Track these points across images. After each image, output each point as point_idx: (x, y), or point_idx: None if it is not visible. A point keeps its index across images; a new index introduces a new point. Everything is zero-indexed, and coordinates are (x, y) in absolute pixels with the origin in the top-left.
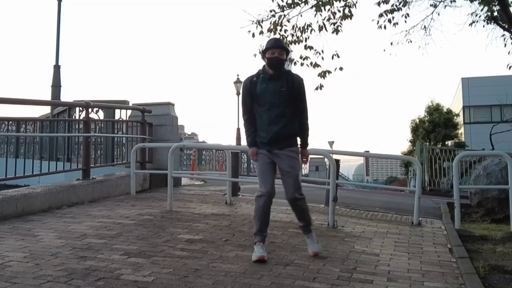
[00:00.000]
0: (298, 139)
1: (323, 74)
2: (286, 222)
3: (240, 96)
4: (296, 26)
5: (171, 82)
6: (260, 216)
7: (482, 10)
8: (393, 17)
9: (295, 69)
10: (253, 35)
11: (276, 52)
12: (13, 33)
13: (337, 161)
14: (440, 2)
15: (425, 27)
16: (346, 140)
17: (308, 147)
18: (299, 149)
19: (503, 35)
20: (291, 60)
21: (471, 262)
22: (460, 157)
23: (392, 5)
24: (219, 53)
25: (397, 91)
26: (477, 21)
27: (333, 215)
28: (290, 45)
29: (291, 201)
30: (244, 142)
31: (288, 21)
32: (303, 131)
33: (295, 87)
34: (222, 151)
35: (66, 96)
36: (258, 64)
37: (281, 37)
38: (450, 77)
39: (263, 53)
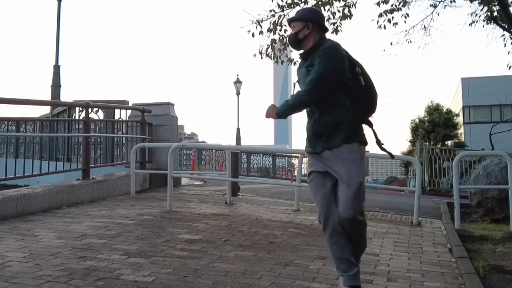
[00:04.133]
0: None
1: None
2: (286, 222)
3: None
4: None
5: (171, 82)
6: (330, 248)
7: (482, 10)
8: (392, 17)
9: (294, 69)
10: (253, 35)
11: (294, 28)
12: (13, 33)
13: None
14: (440, 2)
15: (425, 27)
16: None
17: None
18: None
19: (503, 35)
20: (291, 60)
21: (471, 262)
22: (460, 157)
23: (392, 5)
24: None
25: (397, 91)
26: (477, 21)
27: None
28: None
29: (345, 221)
30: (243, 142)
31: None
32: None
33: (319, 58)
34: (222, 151)
35: (66, 96)
36: (258, 64)
37: (281, 37)
38: (450, 77)
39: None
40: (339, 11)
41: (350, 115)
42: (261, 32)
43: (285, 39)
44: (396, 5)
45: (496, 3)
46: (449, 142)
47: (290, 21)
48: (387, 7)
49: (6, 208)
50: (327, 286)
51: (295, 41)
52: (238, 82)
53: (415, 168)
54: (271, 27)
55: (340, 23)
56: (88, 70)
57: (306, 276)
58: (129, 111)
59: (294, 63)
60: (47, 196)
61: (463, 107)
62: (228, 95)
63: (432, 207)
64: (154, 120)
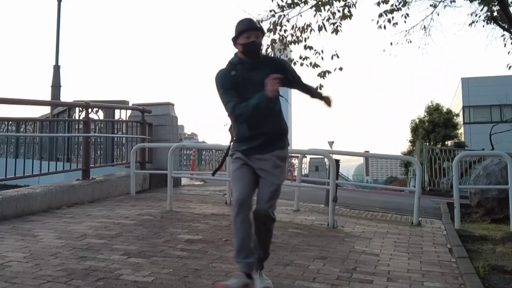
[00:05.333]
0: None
1: (322, 74)
2: (286, 222)
3: (219, 94)
4: (296, 26)
5: (171, 82)
6: (236, 232)
7: (482, 10)
8: (392, 17)
9: (294, 69)
10: None
11: (252, 36)
12: (13, 33)
13: (337, 161)
14: (440, 2)
15: (424, 27)
16: (346, 140)
17: (308, 147)
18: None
19: (503, 35)
20: (291, 60)
21: (471, 262)
22: (460, 157)
23: (392, 5)
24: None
25: (397, 91)
26: (477, 21)
27: (333, 215)
28: (289, 45)
29: (258, 214)
30: None
31: (288, 21)
32: (313, 91)
33: (282, 67)
34: (222, 151)
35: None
36: None
37: (281, 37)
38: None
39: (235, 39)
40: (339, 11)
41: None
42: None
43: (285, 39)
44: (396, 5)
45: (496, 3)
46: (449, 142)
47: (256, 29)
48: (387, 7)
49: (6, 208)
50: (327, 286)
51: (260, 50)
52: None
53: (415, 168)
54: (271, 27)
55: (340, 23)
56: (88, 70)
57: (306, 276)
58: (129, 111)
59: (294, 63)
60: (47, 196)
61: (463, 107)
62: None
63: (432, 207)
64: (154, 120)
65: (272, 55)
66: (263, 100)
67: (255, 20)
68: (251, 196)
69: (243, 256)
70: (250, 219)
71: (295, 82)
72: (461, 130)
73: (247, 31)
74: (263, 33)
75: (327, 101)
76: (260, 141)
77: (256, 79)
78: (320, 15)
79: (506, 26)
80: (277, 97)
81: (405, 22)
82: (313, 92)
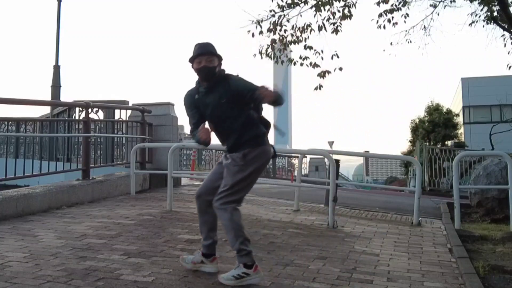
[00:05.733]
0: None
1: (322, 74)
2: (286, 222)
3: (186, 112)
4: (296, 26)
5: (171, 82)
6: (198, 218)
7: (482, 10)
8: (392, 17)
9: (294, 69)
10: (253, 35)
11: (203, 61)
12: (13, 33)
13: (337, 161)
14: (440, 2)
15: (424, 27)
16: (346, 140)
17: (308, 147)
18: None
19: (503, 35)
20: (291, 60)
21: (471, 262)
22: (460, 157)
23: (392, 5)
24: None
25: (396, 91)
26: (477, 21)
27: (333, 215)
28: (289, 45)
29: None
30: None
31: (288, 21)
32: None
33: (235, 89)
34: (222, 151)
35: (66, 96)
36: (258, 64)
37: (281, 37)
38: (450, 77)
39: (191, 64)
40: (339, 11)
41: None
42: (261, 32)
43: (285, 39)
44: (396, 5)
45: (496, 3)
46: (449, 142)
47: (207, 53)
48: (387, 7)
49: (6, 208)
50: (327, 286)
51: (214, 74)
52: None
53: (415, 168)
54: (271, 27)
55: (340, 23)
56: (88, 70)
57: (306, 276)
58: (129, 111)
59: (294, 63)
60: (47, 196)
61: (463, 107)
62: None
63: (432, 207)
64: (154, 120)
65: (229, 74)
66: (199, 142)
67: (254, 20)
68: (208, 191)
69: (202, 238)
70: (209, 209)
71: (250, 99)
72: (461, 130)
73: (198, 57)
74: (218, 56)
75: (276, 99)
76: (227, 145)
77: (209, 101)
78: (320, 15)
79: (506, 26)
80: (241, 112)
81: (405, 22)
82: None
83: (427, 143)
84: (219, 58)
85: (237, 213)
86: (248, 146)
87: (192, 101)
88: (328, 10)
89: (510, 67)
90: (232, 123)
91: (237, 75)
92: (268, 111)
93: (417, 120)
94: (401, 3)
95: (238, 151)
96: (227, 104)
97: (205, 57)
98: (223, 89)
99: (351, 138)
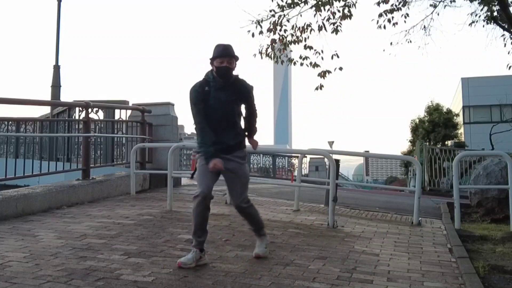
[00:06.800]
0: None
1: (322, 74)
2: (286, 222)
3: (191, 104)
4: (296, 26)
5: (171, 82)
6: (195, 217)
7: (482, 10)
8: (392, 17)
9: (294, 69)
10: (253, 35)
11: (225, 61)
12: (13, 33)
13: (337, 161)
14: (440, 2)
15: (424, 27)
16: (346, 140)
17: (308, 147)
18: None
19: (503, 35)
20: (291, 60)
21: (471, 262)
22: (460, 157)
23: (392, 5)
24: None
25: (397, 91)
26: (477, 21)
27: (333, 215)
28: (289, 45)
29: (237, 208)
30: None
31: (288, 21)
32: (251, 130)
33: (245, 92)
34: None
35: (66, 96)
36: (258, 64)
37: (281, 37)
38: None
39: (211, 60)
40: (339, 11)
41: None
42: (261, 32)
43: (285, 39)
44: (396, 5)
45: (496, 3)
46: (449, 142)
47: (229, 56)
48: (387, 7)
49: (6, 208)
50: (327, 286)
51: (232, 74)
52: None
53: (415, 168)
54: (271, 27)
55: (340, 23)
56: (88, 70)
57: (306, 276)
58: (129, 111)
59: (294, 63)
60: (47, 196)
61: (463, 107)
62: None
63: (432, 207)
64: (154, 120)
65: (243, 79)
66: (206, 157)
67: (254, 20)
68: (210, 190)
69: (197, 236)
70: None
71: (246, 108)
72: (461, 130)
73: (221, 57)
74: (236, 59)
75: (253, 143)
76: (225, 140)
77: (220, 96)
78: (320, 15)
79: (506, 26)
80: (240, 114)
81: (405, 22)
82: (251, 129)
83: (427, 143)
84: (237, 60)
85: None
86: (243, 146)
87: (201, 94)
88: (328, 10)
89: (510, 67)
90: (234, 121)
91: (251, 86)
92: (268, 111)
93: (417, 120)
94: (401, 3)
95: (239, 150)
96: (235, 102)
97: (227, 58)
98: (236, 89)
99: (351, 138)
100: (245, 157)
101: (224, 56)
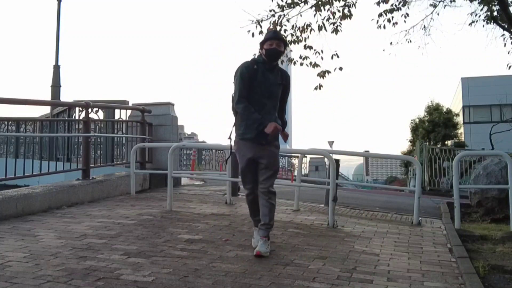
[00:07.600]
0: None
1: (322, 74)
2: (286, 222)
3: (239, 79)
4: (296, 26)
5: (171, 82)
6: (251, 208)
7: (482, 10)
8: (392, 17)
9: (294, 69)
10: (253, 35)
11: (275, 44)
12: (13, 33)
13: (337, 161)
14: (439, 2)
15: (424, 27)
16: (346, 140)
17: (308, 147)
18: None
19: (503, 35)
20: (291, 60)
21: (471, 262)
22: (460, 157)
23: (392, 5)
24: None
25: (397, 91)
26: (477, 21)
27: (333, 215)
28: (289, 45)
29: (265, 194)
30: None
31: (288, 21)
32: (283, 121)
33: (287, 82)
34: (222, 151)
35: (66, 96)
36: None
37: None
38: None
39: (262, 43)
40: (339, 11)
41: None
42: (261, 32)
43: (285, 39)
44: (396, 5)
45: (496, 3)
46: (449, 142)
47: (279, 39)
48: (387, 6)
49: (6, 208)
50: (327, 286)
51: (280, 57)
52: None
53: (415, 168)
54: (271, 27)
55: (340, 23)
56: (88, 70)
57: (306, 276)
58: (129, 111)
59: (294, 63)
60: (47, 196)
61: (463, 107)
62: (229, 95)
63: (432, 207)
64: (154, 120)
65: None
66: (259, 127)
67: (254, 20)
68: (256, 184)
69: (256, 221)
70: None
71: (284, 96)
72: (461, 130)
73: (271, 40)
74: (285, 44)
75: (285, 136)
76: (267, 120)
77: (272, 80)
78: (320, 15)
79: (506, 26)
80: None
81: (405, 22)
82: (282, 120)
83: (427, 143)
84: (286, 46)
85: None
86: (278, 135)
87: (250, 70)
88: (328, 10)
89: (510, 67)
90: (276, 104)
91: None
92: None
93: (417, 120)
94: (401, 3)
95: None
96: (280, 86)
97: (276, 41)
98: (280, 75)
99: (351, 138)
100: (279, 146)
101: (274, 38)
